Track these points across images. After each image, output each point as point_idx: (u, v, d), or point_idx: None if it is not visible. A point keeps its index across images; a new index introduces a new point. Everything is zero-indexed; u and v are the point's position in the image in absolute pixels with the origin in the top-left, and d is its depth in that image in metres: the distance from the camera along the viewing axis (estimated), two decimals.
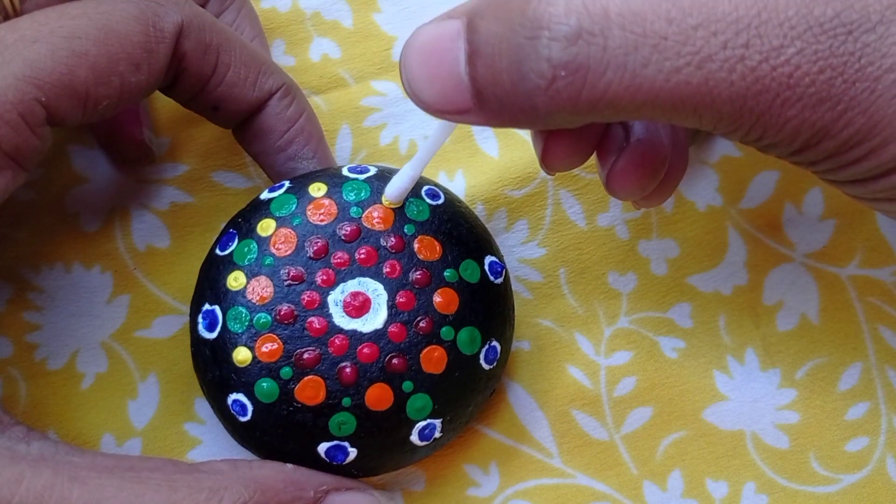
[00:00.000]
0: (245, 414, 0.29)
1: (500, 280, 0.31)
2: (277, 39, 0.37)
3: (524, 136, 0.36)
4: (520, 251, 0.35)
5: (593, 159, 0.35)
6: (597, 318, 0.35)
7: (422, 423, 0.29)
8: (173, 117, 0.36)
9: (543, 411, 0.34)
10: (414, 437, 0.30)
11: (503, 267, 0.32)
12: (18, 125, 0.27)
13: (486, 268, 0.31)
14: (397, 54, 0.37)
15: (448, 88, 0.23)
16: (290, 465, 0.29)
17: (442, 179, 0.36)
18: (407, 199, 0.31)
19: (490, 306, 0.31)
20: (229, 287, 0.30)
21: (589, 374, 0.34)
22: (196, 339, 0.30)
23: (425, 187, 0.32)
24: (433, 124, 0.36)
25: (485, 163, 0.36)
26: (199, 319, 0.30)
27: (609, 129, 0.29)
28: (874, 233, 0.35)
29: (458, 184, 0.35)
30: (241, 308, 0.29)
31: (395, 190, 0.30)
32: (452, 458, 0.33)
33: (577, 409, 0.34)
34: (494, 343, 0.31)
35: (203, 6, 0.34)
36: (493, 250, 0.32)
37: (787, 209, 0.36)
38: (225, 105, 0.32)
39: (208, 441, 0.33)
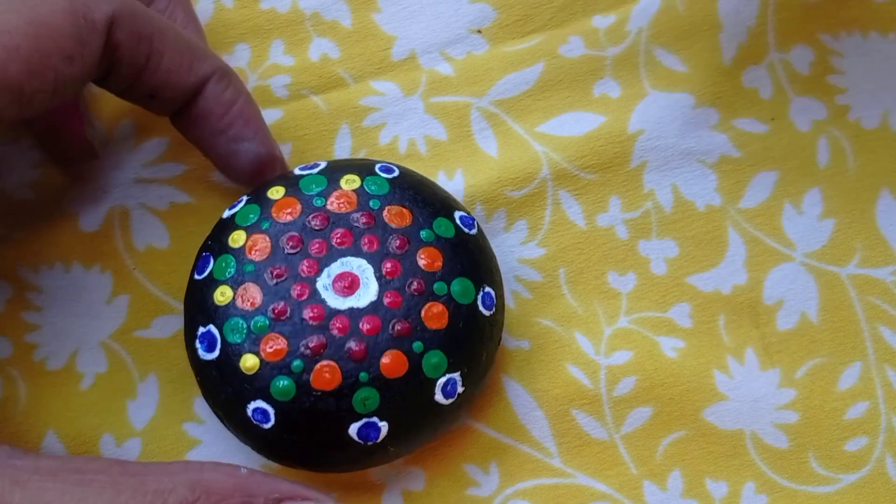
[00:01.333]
0: (268, 420, 0.29)
1: (474, 231, 0.32)
2: (277, 39, 0.37)
3: (524, 135, 0.36)
4: (519, 251, 0.35)
5: (595, 159, 0.36)
6: (597, 318, 0.35)
7: (442, 380, 0.29)
8: None
9: (543, 411, 0.34)
10: (438, 396, 0.30)
11: (473, 219, 0.32)
12: None
13: (458, 222, 0.31)
14: (397, 54, 0.37)
15: None
16: (244, 469, 0.28)
17: (441, 179, 0.36)
18: (363, 178, 0.31)
19: (472, 256, 0.31)
20: (218, 303, 0.30)
21: (589, 373, 0.34)
22: (199, 365, 0.30)
23: (378, 164, 0.32)
24: (432, 124, 0.36)
25: (484, 162, 0.36)
26: (197, 345, 0.30)
27: None
28: (874, 232, 0.35)
29: (458, 183, 0.35)
30: (235, 319, 0.29)
31: None
32: (452, 457, 0.33)
33: (576, 408, 0.34)
34: (488, 289, 0.31)
35: None
36: (459, 206, 0.32)
37: (787, 208, 0.36)
38: (161, 93, 0.31)
39: (208, 441, 0.33)
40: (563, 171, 0.35)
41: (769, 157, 0.36)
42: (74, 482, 0.27)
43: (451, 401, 0.30)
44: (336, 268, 0.30)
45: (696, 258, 0.35)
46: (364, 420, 0.29)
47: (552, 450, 0.33)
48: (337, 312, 0.29)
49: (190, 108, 0.32)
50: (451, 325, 0.30)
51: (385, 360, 0.29)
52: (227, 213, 0.32)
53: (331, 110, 0.37)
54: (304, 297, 0.29)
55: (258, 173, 0.33)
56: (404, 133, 0.37)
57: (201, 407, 0.33)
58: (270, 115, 0.36)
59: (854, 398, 0.34)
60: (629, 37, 0.37)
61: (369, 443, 0.29)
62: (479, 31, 0.37)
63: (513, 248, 0.35)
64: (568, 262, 0.35)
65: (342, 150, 0.36)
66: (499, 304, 0.31)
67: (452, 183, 0.35)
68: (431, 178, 0.34)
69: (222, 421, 0.31)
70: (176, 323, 0.34)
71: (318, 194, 0.31)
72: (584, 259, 0.35)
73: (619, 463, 0.33)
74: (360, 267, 0.30)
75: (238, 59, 0.37)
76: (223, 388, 0.30)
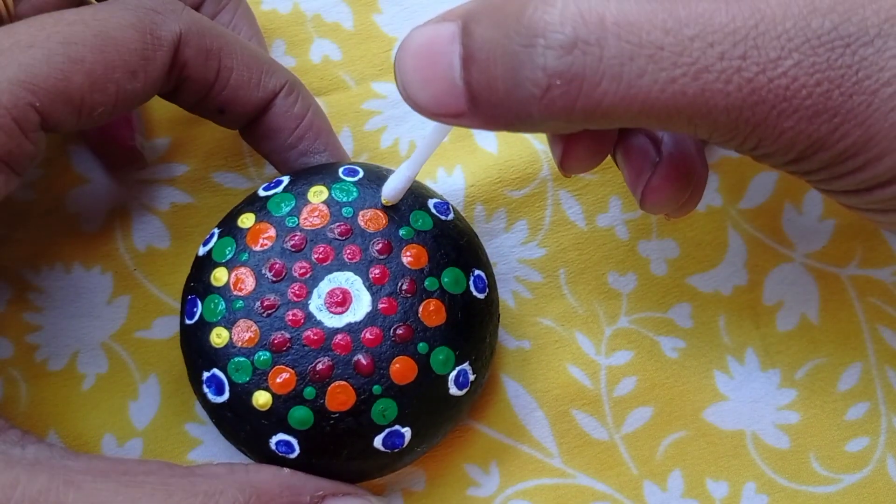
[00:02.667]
0: (292, 450, 0.29)
1: (451, 216, 0.32)
2: (278, 40, 0.37)
3: (523, 134, 0.36)
4: (519, 251, 0.35)
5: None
6: (597, 318, 0.35)
7: (453, 374, 0.30)
8: (174, 118, 0.36)
9: (543, 411, 0.34)
10: (453, 390, 0.30)
11: (447, 203, 0.32)
12: (12, 130, 0.27)
13: (434, 210, 0.31)
14: None
15: (442, 92, 0.23)
16: (286, 470, 0.29)
17: (440, 176, 0.36)
18: (329, 187, 0.31)
19: (455, 242, 0.31)
20: (216, 346, 0.29)
21: (589, 373, 0.34)
22: (212, 409, 0.30)
23: (341, 168, 0.32)
24: (431, 126, 0.36)
25: (484, 159, 0.36)
26: (205, 390, 0.30)
27: (638, 147, 0.29)
28: (874, 233, 0.35)
29: (457, 181, 0.35)
30: (237, 359, 0.29)
31: (391, 189, 0.30)
32: (452, 457, 0.33)
33: (577, 408, 0.34)
34: (478, 272, 0.31)
35: (198, 8, 0.34)
36: (431, 193, 0.32)
37: (787, 209, 0.36)
38: (231, 108, 0.32)
39: (209, 441, 0.33)
40: None
41: None
42: (126, 483, 0.27)
43: (465, 391, 0.30)
44: (325, 286, 0.29)
45: (696, 258, 0.35)
46: (387, 430, 0.29)
47: (552, 450, 0.33)
48: (336, 331, 0.29)
49: (259, 122, 0.32)
50: (451, 318, 0.30)
51: (394, 367, 0.29)
52: (202, 251, 0.31)
53: (333, 113, 0.37)
54: (301, 322, 0.29)
55: None
56: (405, 135, 0.37)
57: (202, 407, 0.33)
58: None
59: (854, 399, 0.34)
60: None
61: (396, 450, 0.29)
62: None
63: (513, 249, 0.35)
64: (568, 263, 0.35)
65: None
66: (490, 283, 0.31)
67: (452, 180, 0.35)
68: (436, 177, 0.34)
69: (247, 455, 0.31)
70: (176, 324, 0.34)
71: (289, 214, 0.30)
72: (584, 259, 0.35)
73: (619, 463, 0.33)
74: (348, 280, 0.29)
75: None
76: (241, 428, 0.30)
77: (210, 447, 0.33)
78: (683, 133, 0.23)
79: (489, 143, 0.36)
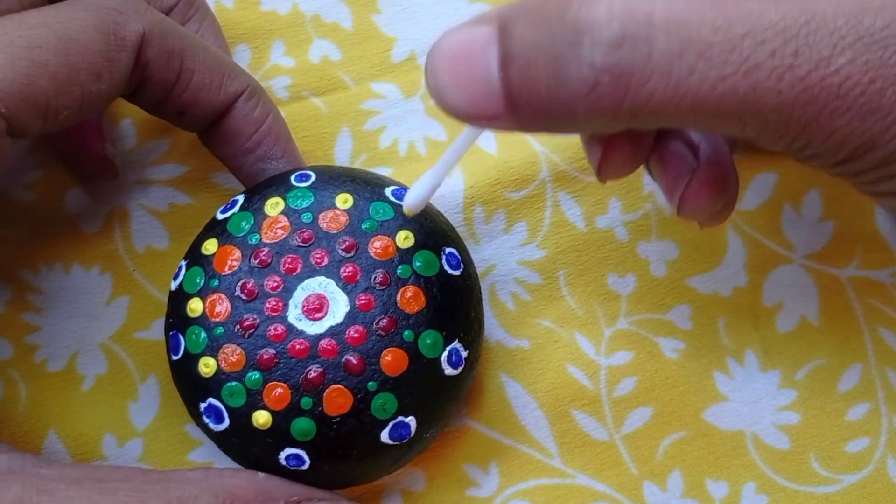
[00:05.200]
0: (303, 462, 0.29)
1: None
2: (277, 41, 0.37)
3: (523, 135, 0.36)
4: (519, 253, 0.35)
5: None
6: (596, 320, 0.35)
7: (444, 355, 0.30)
8: None
9: (543, 411, 0.34)
10: (448, 370, 0.30)
11: (404, 188, 0.32)
12: None
13: (392, 198, 0.31)
14: (397, 55, 0.37)
15: (478, 94, 0.23)
16: (261, 474, 0.29)
17: None
18: (285, 196, 0.31)
19: (419, 222, 0.31)
20: (206, 375, 0.29)
21: (589, 374, 0.34)
22: (216, 437, 0.30)
23: (293, 175, 0.32)
24: (431, 126, 0.36)
25: (483, 161, 0.36)
26: (206, 420, 0.30)
27: (676, 152, 0.29)
28: (873, 234, 0.35)
29: (457, 183, 0.35)
30: (230, 384, 0.29)
31: (414, 198, 0.29)
32: (452, 458, 0.33)
33: (577, 409, 0.34)
34: (449, 250, 0.31)
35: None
36: (387, 182, 0.32)
37: (787, 210, 0.36)
38: (190, 110, 0.31)
39: (209, 442, 0.33)
40: (562, 173, 0.35)
41: (768, 158, 0.36)
42: (99, 491, 0.27)
43: (461, 368, 0.30)
44: (300, 295, 0.29)
45: (695, 260, 0.35)
46: (391, 423, 0.29)
47: (552, 450, 0.33)
48: (320, 337, 0.29)
49: (218, 125, 0.32)
50: (430, 300, 0.30)
51: (385, 360, 0.29)
52: (173, 285, 0.31)
53: (331, 113, 0.37)
54: (283, 336, 0.29)
55: None
56: (404, 135, 0.37)
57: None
58: None
59: (855, 399, 0.34)
60: None
61: (405, 440, 0.29)
62: None
63: (512, 250, 0.35)
64: (568, 264, 0.35)
65: (342, 152, 0.36)
66: (464, 258, 0.31)
67: (451, 181, 0.35)
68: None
69: (261, 470, 0.30)
70: None
71: (250, 231, 0.30)
72: (583, 261, 0.35)
73: (619, 463, 0.33)
74: (321, 285, 0.29)
75: (239, 60, 0.37)
76: (249, 451, 0.30)
77: (210, 448, 0.33)
78: (731, 133, 0.23)
79: (488, 145, 0.36)
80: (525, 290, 0.35)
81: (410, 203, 0.30)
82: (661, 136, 0.29)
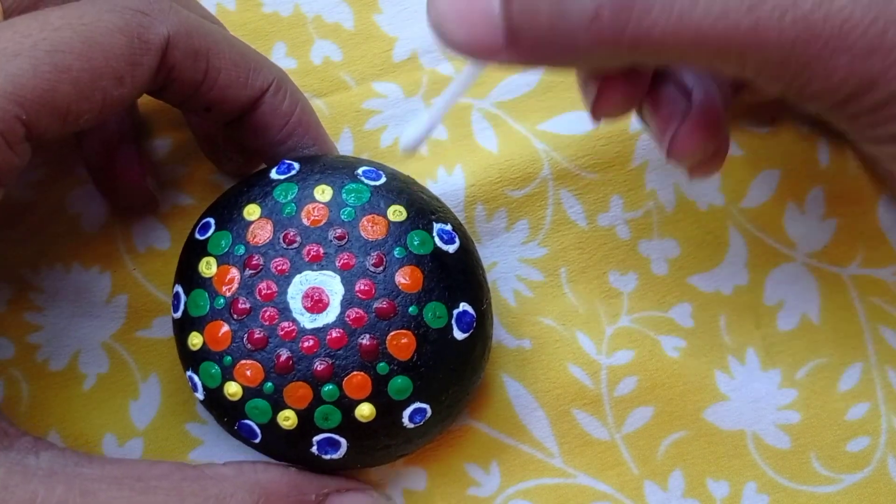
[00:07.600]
0: (338, 448, 0.29)
1: (393, 179, 0.31)
2: (279, 42, 0.37)
3: (523, 132, 0.36)
4: (520, 251, 0.35)
5: (597, 159, 0.36)
6: (598, 318, 0.35)
7: (453, 320, 0.29)
8: (175, 118, 0.36)
9: (544, 410, 0.34)
10: (458, 334, 0.30)
11: (380, 173, 0.31)
12: None
13: (366, 180, 0.31)
14: (398, 55, 0.37)
15: (479, 27, 0.23)
16: (292, 469, 0.30)
17: (441, 175, 0.35)
18: (263, 201, 0.30)
19: (407, 197, 0.31)
20: (232, 398, 0.29)
21: (590, 373, 0.34)
22: (256, 447, 0.30)
23: (271, 170, 0.31)
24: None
25: (484, 159, 0.36)
26: (245, 437, 0.30)
27: (668, 97, 0.29)
28: (876, 232, 0.35)
29: (458, 181, 0.35)
30: (254, 401, 0.29)
31: (411, 138, 0.28)
32: (453, 457, 0.33)
33: (577, 408, 0.34)
34: (439, 226, 0.31)
35: None
36: (362, 163, 0.32)
37: (789, 208, 0.35)
38: (217, 107, 0.31)
39: (210, 441, 0.33)
40: (564, 171, 0.35)
41: (771, 156, 0.36)
42: (140, 490, 0.27)
43: (470, 332, 0.30)
44: (297, 290, 0.29)
45: (697, 258, 0.35)
46: (411, 407, 0.29)
47: (553, 450, 0.33)
48: (330, 327, 0.29)
49: (247, 119, 0.32)
50: (427, 279, 0.29)
51: (391, 343, 0.29)
52: (177, 314, 0.31)
53: (333, 114, 0.37)
54: (293, 334, 0.29)
55: None
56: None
57: (203, 407, 0.33)
58: None
59: (855, 399, 0.34)
60: None
61: (420, 424, 0.30)
62: None
63: (514, 248, 0.35)
64: (569, 262, 0.35)
65: (344, 153, 0.36)
66: (461, 234, 0.31)
67: (452, 179, 0.35)
68: (436, 177, 0.34)
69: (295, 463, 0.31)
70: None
71: (235, 244, 0.30)
72: (585, 259, 0.35)
73: (620, 463, 0.33)
74: (317, 279, 0.29)
75: None
76: (289, 452, 0.30)
77: (211, 447, 0.33)
78: (730, 72, 0.23)
79: (490, 142, 0.36)
80: (527, 287, 0.35)
81: (406, 143, 0.29)
82: (655, 80, 0.29)
